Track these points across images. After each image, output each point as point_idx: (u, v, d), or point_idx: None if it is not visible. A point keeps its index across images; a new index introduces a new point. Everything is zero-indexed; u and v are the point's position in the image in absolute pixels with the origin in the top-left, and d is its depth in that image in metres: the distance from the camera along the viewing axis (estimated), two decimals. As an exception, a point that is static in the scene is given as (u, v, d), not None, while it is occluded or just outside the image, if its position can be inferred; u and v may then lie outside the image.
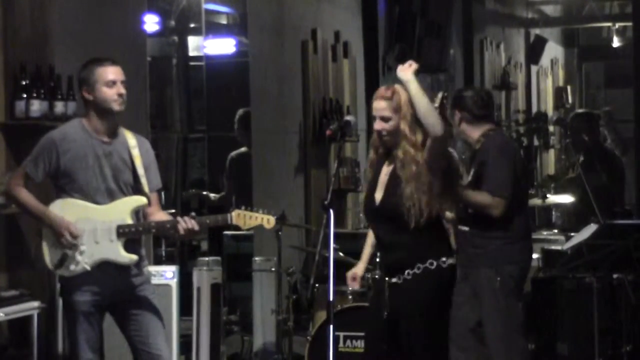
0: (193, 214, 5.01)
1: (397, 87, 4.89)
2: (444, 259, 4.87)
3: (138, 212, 4.99)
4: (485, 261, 5.65)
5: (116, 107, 4.90)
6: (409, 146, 4.83)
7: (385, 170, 4.95)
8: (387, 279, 4.94)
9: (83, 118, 4.99)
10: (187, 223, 4.89)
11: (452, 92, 8.83)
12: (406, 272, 4.86)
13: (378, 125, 4.89)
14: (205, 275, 6.68)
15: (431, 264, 4.85)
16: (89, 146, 4.90)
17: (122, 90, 4.90)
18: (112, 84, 4.88)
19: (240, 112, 8.38)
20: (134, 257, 4.92)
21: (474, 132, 5.83)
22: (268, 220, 4.96)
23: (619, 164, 9.06)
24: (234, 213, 4.93)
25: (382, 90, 4.95)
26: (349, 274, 5.35)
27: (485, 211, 5.60)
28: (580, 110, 9.86)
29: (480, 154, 5.75)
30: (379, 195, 4.94)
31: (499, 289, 5.62)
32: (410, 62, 4.84)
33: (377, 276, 6.04)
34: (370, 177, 5.03)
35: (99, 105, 4.90)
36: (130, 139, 5.02)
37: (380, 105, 4.89)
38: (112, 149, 4.95)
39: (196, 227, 4.90)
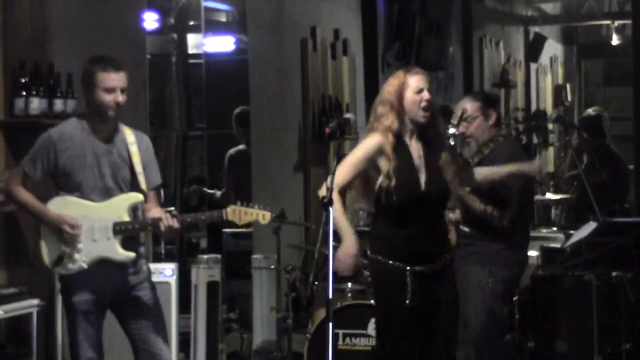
0: (173, 208, 4.98)
1: None
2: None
3: (136, 210, 4.98)
4: (480, 261, 5.65)
5: (111, 113, 4.88)
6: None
7: (416, 153, 4.95)
8: (408, 267, 4.87)
9: (82, 116, 4.99)
10: (168, 221, 4.88)
11: (451, 92, 8.72)
12: (435, 261, 4.90)
13: (427, 95, 4.91)
14: (201, 273, 6.68)
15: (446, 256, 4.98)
16: (87, 144, 4.90)
17: (120, 99, 4.87)
18: (112, 90, 4.87)
19: (237, 110, 8.39)
20: (131, 254, 4.91)
21: (486, 134, 5.78)
22: (263, 216, 4.94)
23: (624, 166, 9.08)
24: (229, 209, 4.92)
25: (411, 67, 5.10)
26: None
27: (489, 221, 5.59)
28: (589, 111, 9.85)
29: (488, 161, 5.71)
30: (423, 180, 4.91)
31: (488, 291, 5.62)
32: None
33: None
34: (397, 162, 4.88)
35: (95, 108, 4.90)
36: (129, 135, 5.01)
37: (426, 78, 4.99)
38: (110, 146, 4.94)
39: (176, 225, 4.88)
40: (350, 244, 4.85)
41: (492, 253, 5.64)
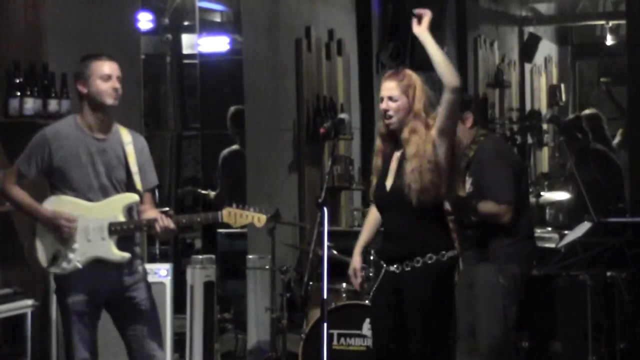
0: (168, 209, 4.98)
1: (407, 70, 4.98)
2: (443, 252, 4.86)
3: (131, 210, 4.97)
4: (489, 259, 5.62)
5: (110, 101, 4.89)
6: (418, 124, 4.86)
7: (395, 158, 4.96)
8: (385, 266, 4.95)
9: (77, 114, 4.98)
10: (164, 221, 4.87)
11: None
12: (405, 263, 4.86)
13: (384, 104, 4.90)
14: (198, 273, 6.68)
15: (430, 258, 4.84)
16: (82, 143, 4.89)
17: (117, 85, 4.90)
18: (108, 78, 4.88)
19: (232, 109, 8.39)
20: (126, 255, 4.91)
21: (467, 137, 5.78)
22: (259, 219, 4.94)
23: (615, 164, 9.10)
24: (225, 211, 4.91)
25: (391, 71, 5.01)
26: (350, 272, 5.22)
27: (494, 220, 5.58)
28: (574, 115, 9.92)
29: (476, 163, 5.70)
30: (389, 182, 4.94)
31: (499, 289, 5.61)
32: (424, 15, 4.84)
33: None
34: (380, 166, 5.02)
35: (93, 98, 4.89)
36: (125, 135, 5.00)
37: (389, 85, 4.92)
38: (106, 145, 4.94)
39: (171, 226, 4.87)
40: (353, 261, 5.21)
41: (500, 249, 5.61)
